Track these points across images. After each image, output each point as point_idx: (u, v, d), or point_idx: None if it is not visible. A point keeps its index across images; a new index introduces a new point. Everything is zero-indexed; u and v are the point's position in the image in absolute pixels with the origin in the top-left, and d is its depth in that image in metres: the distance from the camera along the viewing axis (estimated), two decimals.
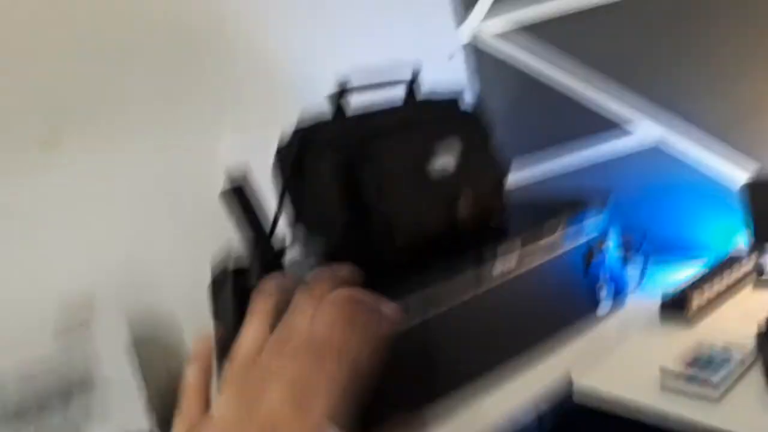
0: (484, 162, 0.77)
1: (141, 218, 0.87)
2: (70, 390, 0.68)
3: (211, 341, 0.45)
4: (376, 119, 0.74)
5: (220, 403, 0.39)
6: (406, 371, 0.62)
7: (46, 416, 0.66)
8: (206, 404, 0.41)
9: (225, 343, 0.74)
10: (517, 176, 0.85)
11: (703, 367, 0.63)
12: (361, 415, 0.61)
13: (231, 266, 0.77)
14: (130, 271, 0.85)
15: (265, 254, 0.80)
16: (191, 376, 0.43)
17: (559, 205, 0.83)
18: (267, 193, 0.84)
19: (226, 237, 0.90)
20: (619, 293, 0.82)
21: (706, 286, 0.79)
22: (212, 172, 0.94)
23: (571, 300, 0.77)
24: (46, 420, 0.66)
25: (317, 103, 0.78)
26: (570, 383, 0.68)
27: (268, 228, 0.89)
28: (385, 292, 0.63)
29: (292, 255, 0.82)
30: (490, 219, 0.76)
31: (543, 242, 0.73)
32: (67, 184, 0.81)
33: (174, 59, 0.93)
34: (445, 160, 0.72)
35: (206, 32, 0.96)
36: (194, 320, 0.88)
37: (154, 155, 0.89)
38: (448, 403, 0.65)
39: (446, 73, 1.22)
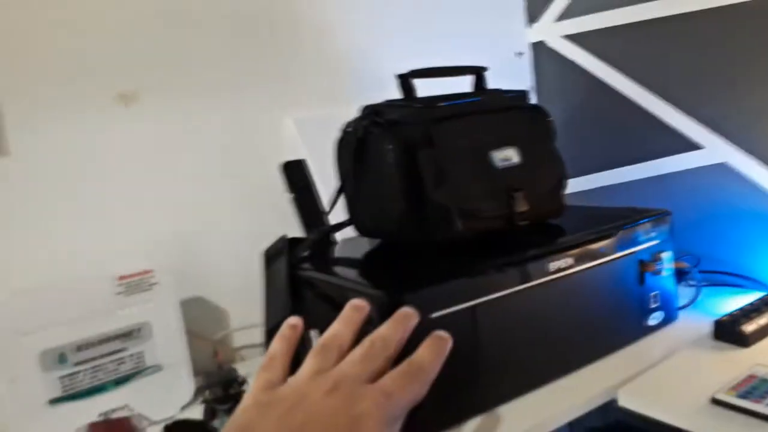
0: (547, 159, 0.76)
1: (203, 184, 0.89)
2: (125, 340, 0.71)
3: (301, 322, 0.49)
4: (442, 104, 0.74)
5: (300, 371, 0.41)
6: (453, 354, 0.62)
7: (101, 362, 0.70)
8: (288, 369, 0.44)
9: (272, 311, 0.76)
10: (576, 182, 0.84)
11: (754, 393, 0.61)
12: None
13: (286, 237, 0.78)
14: (187, 235, 0.88)
15: (318, 229, 0.82)
16: (277, 344, 0.46)
17: (617, 211, 0.82)
18: (327, 169, 0.86)
19: (282, 210, 0.93)
20: (670, 309, 0.80)
21: (763, 310, 0.77)
22: (275, 146, 0.97)
23: (621, 309, 0.76)
24: (100, 366, 0.70)
25: (383, 88, 0.79)
26: (614, 398, 0.68)
27: (323, 204, 0.91)
28: (435, 275, 0.65)
29: (346, 232, 0.83)
30: (548, 216, 0.75)
31: (599, 245, 0.72)
32: (138, 140, 0.84)
33: (250, 33, 0.95)
34: (508, 152, 0.72)
35: (280, 12, 0.98)
36: (245, 290, 0.91)
37: (223, 123, 0.91)
38: (485, 397, 0.65)
39: (513, 71, 1.21)
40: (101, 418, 0.59)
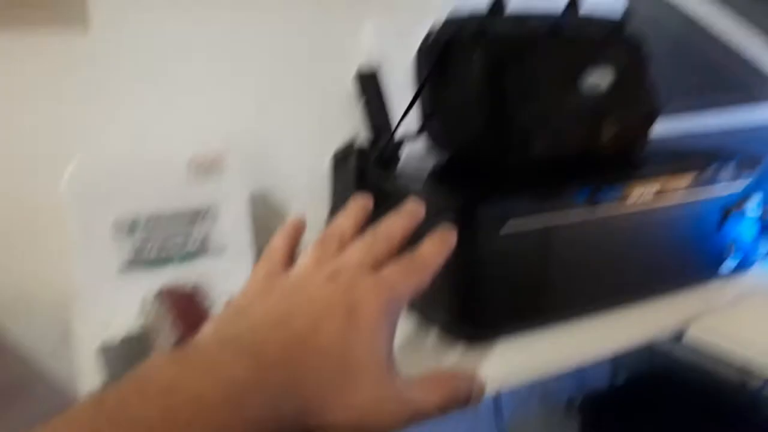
0: (638, 90, 0.71)
1: (278, 81, 0.88)
2: (192, 219, 0.73)
3: (305, 222, 0.47)
4: (533, 22, 0.70)
5: (301, 260, 0.40)
6: (519, 276, 0.62)
7: (168, 238, 0.72)
8: (289, 261, 0.43)
9: (337, 213, 0.76)
10: (664, 123, 0.79)
11: None
12: (471, 314, 0.62)
13: (356, 141, 0.78)
14: (259, 128, 0.88)
15: (388, 139, 0.80)
16: (279, 238, 0.45)
17: (704, 150, 0.77)
18: (402, 80, 0.84)
19: (352, 120, 0.92)
20: (749, 257, 0.77)
21: None
22: (351, 51, 0.94)
23: (697, 249, 0.73)
24: (168, 241, 0.72)
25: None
26: (682, 331, 0.66)
27: (394, 116, 0.89)
28: (511, 190, 0.64)
29: (415, 148, 0.82)
30: (631, 148, 0.72)
31: (681, 182, 0.69)
32: (218, 30, 0.83)
33: None
34: (598, 78, 0.68)
35: None
36: (309, 190, 0.92)
37: (300, 22, 0.89)
38: (551, 317, 0.64)
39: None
40: (172, 285, 0.61)
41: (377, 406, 0.34)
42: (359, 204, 0.46)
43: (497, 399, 1.19)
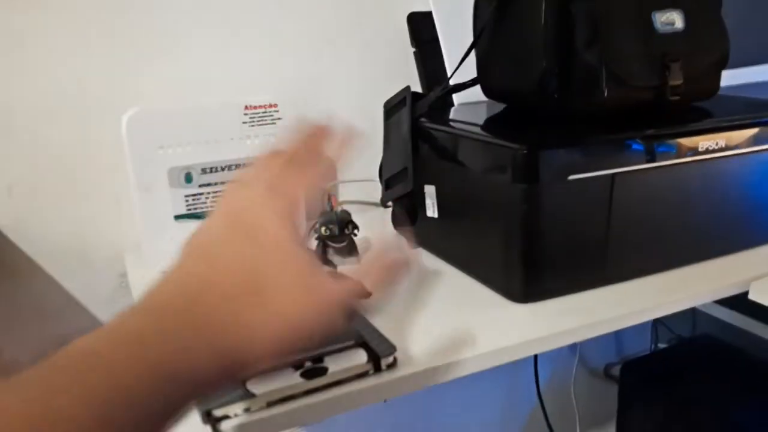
0: (712, 31, 0.68)
1: (331, 28, 0.86)
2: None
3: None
4: None
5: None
6: (579, 231, 0.60)
7: (222, 187, 0.71)
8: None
9: (390, 162, 0.75)
10: (734, 71, 0.75)
11: None
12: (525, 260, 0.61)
13: (410, 89, 0.76)
14: (310, 78, 0.86)
15: (443, 86, 0.78)
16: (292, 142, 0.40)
17: None
18: (455, 26, 0.81)
19: (405, 68, 0.89)
20: None
21: None
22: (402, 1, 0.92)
23: (763, 206, 0.70)
24: (221, 191, 0.71)
25: None
26: (745, 291, 0.64)
27: (449, 59, 0.86)
28: (575, 136, 0.62)
29: (470, 95, 0.79)
30: (701, 95, 0.69)
31: (752, 133, 0.66)
32: None
33: None
34: (672, 15, 0.64)
35: None
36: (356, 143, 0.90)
37: None
38: (614, 269, 0.63)
39: None
40: None
41: (303, 311, 0.32)
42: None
43: (535, 362, 1.18)
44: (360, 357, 0.50)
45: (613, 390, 1.25)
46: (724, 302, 1.12)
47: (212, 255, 0.33)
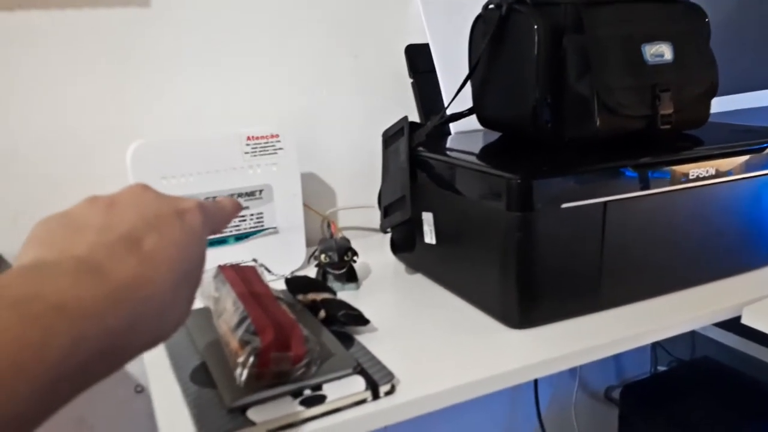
0: (700, 61, 0.70)
1: (327, 60, 0.88)
2: (247, 199, 0.74)
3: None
4: None
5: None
6: (572, 257, 0.61)
7: None
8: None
9: (390, 190, 0.76)
10: (722, 99, 0.77)
11: None
12: (520, 287, 0.62)
13: (407, 119, 0.77)
14: (310, 109, 0.88)
15: (439, 115, 0.80)
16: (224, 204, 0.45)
17: (764, 130, 0.76)
18: (450, 56, 0.82)
19: (401, 93, 0.91)
20: None
21: None
22: (400, 27, 0.94)
23: (754, 231, 0.71)
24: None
25: None
26: (737, 315, 0.65)
27: (445, 89, 0.88)
28: (568, 165, 0.63)
29: (461, 125, 0.81)
30: (691, 124, 0.71)
31: (741, 160, 0.68)
32: (268, 8, 0.83)
33: None
34: (661, 47, 0.67)
35: None
36: (356, 171, 0.92)
37: (349, 6, 0.89)
38: (606, 296, 0.64)
39: None
40: (231, 264, 0.62)
41: (177, 237, 0.35)
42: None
43: (536, 387, 1.18)
44: (358, 384, 0.51)
45: (614, 413, 1.25)
46: (722, 325, 1.13)
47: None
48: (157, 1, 0.77)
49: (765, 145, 0.70)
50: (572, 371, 1.29)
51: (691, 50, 0.69)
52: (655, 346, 1.36)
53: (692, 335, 1.30)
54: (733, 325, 0.65)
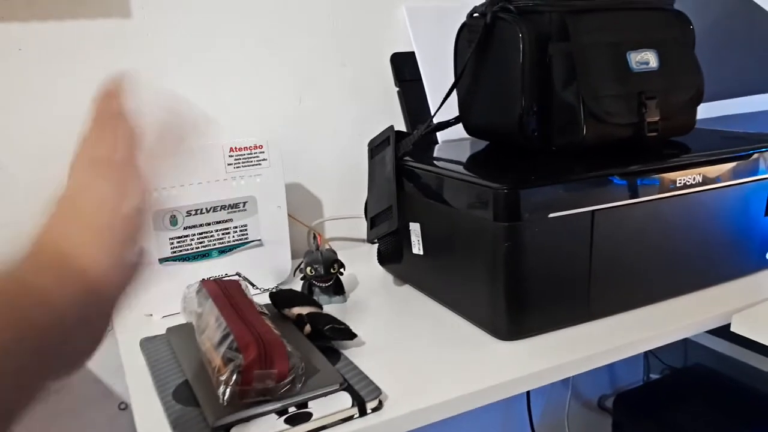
0: (686, 68, 0.69)
1: (313, 69, 0.88)
2: (231, 211, 0.73)
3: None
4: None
5: None
6: (560, 267, 0.61)
7: (207, 229, 0.71)
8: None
9: (376, 200, 0.75)
10: (704, 107, 0.77)
11: None
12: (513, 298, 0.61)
13: (393, 128, 0.77)
14: (294, 120, 0.87)
15: (426, 124, 0.79)
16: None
17: (750, 135, 0.76)
18: (436, 65, 0.82)
19: (387, 102, 0.90)
20: None
21: None
22: (385, 35, 0.93)
23: (742, 238, 0.71)
24: (207, 233, 0.71)
25: None
26: (727, 323, 0.64)
27: (432, 98, 0.88)
28: (555, 175, 0.62)
29: (447, 134, 0.80)
30: (678, 131, 0.70)
31: (729, 167, 0.67)
32: (255, 16, 0.82)
33: None
34: (647, 55, 0.66)
35: None
36: (342, 182, 0.91)
37: (334, 5, 0.88)
38: (595, 306, 0.63)
39: None
40: (214, 278, 0.61)
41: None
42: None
43: (528, 397, 1.17)
44: (344, 401, 0.50)
45: (608, 422, 1.24)
46: (714, 332, 1.12)
47: None
48: (139, 12, 0.76)
49: (752, 151, 0.70)
50: (565, 381, 1.28)
51: (677, 57, 0.68)
52: (648, 354, 1.35)
53: (684, 343, 1.29)
54: (725, 332, 0.65)
